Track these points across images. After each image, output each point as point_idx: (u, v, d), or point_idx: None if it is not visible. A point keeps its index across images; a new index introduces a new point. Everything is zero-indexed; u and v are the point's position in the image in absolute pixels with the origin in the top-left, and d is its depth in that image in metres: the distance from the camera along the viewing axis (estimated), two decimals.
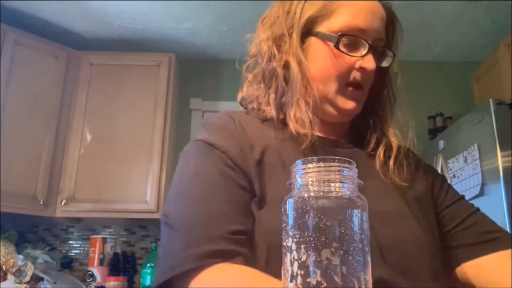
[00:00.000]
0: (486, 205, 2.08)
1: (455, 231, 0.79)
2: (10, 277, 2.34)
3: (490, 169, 2.06)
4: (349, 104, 0.77)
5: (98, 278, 2.48)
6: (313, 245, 0.42)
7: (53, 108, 2.66)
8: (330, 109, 0.78)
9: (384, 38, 0.79)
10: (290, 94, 0.76)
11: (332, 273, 0.42)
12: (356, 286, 0.42)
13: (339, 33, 0.74)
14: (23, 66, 2.59)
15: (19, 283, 2.34)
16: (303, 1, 0.79)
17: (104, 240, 2.57)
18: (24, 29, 2.65)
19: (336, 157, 0.45)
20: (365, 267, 0.44)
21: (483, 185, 2.09)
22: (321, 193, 0.44)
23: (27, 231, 2.84)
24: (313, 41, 0.77)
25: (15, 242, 2.55)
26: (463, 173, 2.27)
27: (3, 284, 2.29)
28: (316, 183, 0.44)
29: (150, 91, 2.79)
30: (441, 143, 2.52)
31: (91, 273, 2.49)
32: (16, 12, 2.69)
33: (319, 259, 0.42)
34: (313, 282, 0.42)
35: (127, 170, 2.63)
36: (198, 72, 3.16)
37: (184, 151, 0.76)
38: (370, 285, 0.43)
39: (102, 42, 3.01)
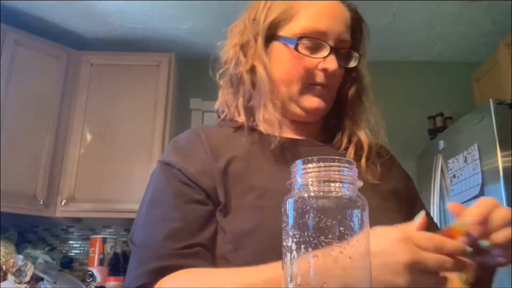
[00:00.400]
0: None
1: None
2: (10, 277, 2.34)
3: (490, 169, 2.06)
4: (313, 102, 0.79)
5: (98, 278, 2.48)
6: (313, 245, 0.42)
7: (53, 108, 2.66)
8: (296, 109, 0.80)
9: (348, 40, 0.81)
10: (258, 97, 0.79)
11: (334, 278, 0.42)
12: (356, 286, 0.42)
13: (298, 36, 0.77)
14: (23, 66, 2.59)
15: (19, 283, 2.34)
16: (267, 7, 0.81)
17: (104, 240, 2.57)
18: (24, 29, 2.65)
19: (336, 157, 0.45)
20: (365, 267, 0.44)
21: (483, 185, 2.09)
22: (321, 193, 0.44)
23: (27, 231, 2.83)
24: (276, 45, 0.80)
25: (15, 242, 2.54)
26: (463, 173, 2.27)
27: (3, 284, 2.29)
28: (316, 183, 0.44)
29: (150, 91, 2.79)
30: (441, 143, 2.52)
31: (91, 273, 2.49)
32: (16, 12, 2.69)
33: (319, 259, 0.42)
34: (313, 282, 0.42)
35: (127, 170, 2.63)
36: (198, 72, 3.16)
37: (151, 172, 0.81)
38: (370, 285, 0.43)
39: (102, 42, 3.01)
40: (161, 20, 2.81)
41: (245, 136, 0.79)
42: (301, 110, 0.80)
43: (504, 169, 1.98)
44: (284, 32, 0.80)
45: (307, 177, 0.45)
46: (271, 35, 0.81)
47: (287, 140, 0.78)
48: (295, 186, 0.46)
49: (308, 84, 0.79)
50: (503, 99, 2.11)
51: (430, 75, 3.20)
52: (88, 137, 2.71)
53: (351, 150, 0.80)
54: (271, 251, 0.61)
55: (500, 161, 1.99)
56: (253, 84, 0.81)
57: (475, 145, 2.16)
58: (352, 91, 0.84)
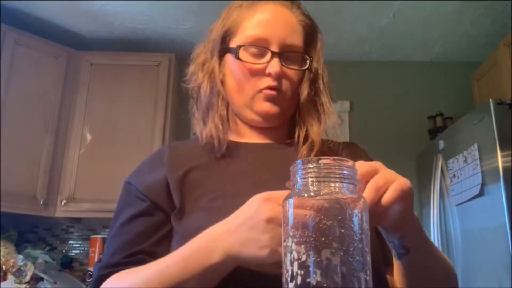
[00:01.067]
0: (486, 205, 2.08)
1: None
2: (10, 277, 2.34)
3: (490, 169, 2.06)
4: (264, 106, 0.83)
5: None
6: (313, 245, 0.42)
7: (53, 108, 2.66)
8: (252, 115, 0.85)
9: (295, 43, 0.84)
10: (205, 110, 0.87)
11: (332, 273, 0.42)
12: (356, 286, 0.42)
13: (237, 45, 0.83)
14: (23, 66, 2.59)
15: (19, 283, 2.34)
16: (223, 23, 0.89)
17: (104, 240, 2.57)
18: (24, 29, 2.65)
19: (337, 157, 0.45)
20: (365, 267, 0.44)
21: (483, 185, 2.09)
22: (321, 193, 0.44)
23: (27, 231, 2.83)
24: (227, 57, 0.86)
25: (15, 242, 2.54)
26: (463, 173, 2.27)
27: (3, 284, 2.29)
28: (316, 183, 0.44)
29: (150, 91, 2.79)
30: (441, 143, 2.52)
31: (91, 273, 2.49)
32: (16, 12, 2.69)
33: (319, 259, 0.42)
34: (313, 282, 0.42)
35: (127, 170, 2.60)
36: None
37: None
38: (370, 285, 0.43)
39: (102, 42, 3.01)
40: (161, 20, 2.81)
41: (198, 147, 0.85)
42: (255, 115, 0.84)
43: (504, 169, 1.98)
44: (232, 43, 0.86)
45: (307, 177, 0.45)
46: (224, 48, 0.87)
47: (249, 145, 0.84)
48: (295, 186, 0.46)
49: (258, 90, 0.82)
50: (503, 99, 2.11)
51: (430, 75, 3.20)
52: (88, 137, 2.71)
53: (304, 150, 0.83)
54: None
55: (500, 161, 1.99)
56: (203, 98, 0.88)
57: (475, 145, 2.16)
58: (304, 92, 0.86)
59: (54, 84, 2.69)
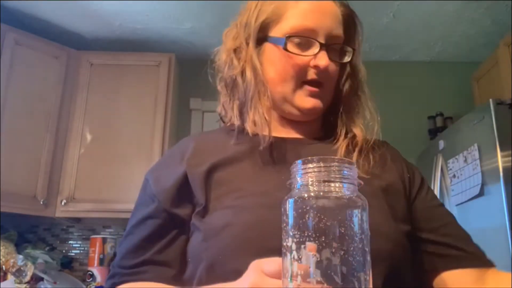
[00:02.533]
0: (486, 205, 2.08)
1: (428, 237, 0.78)
2: (10, 277, 2.34)
3: (490, 169, 2.06)
4: (307, 102, 0.79)
5: (98, 278, 2.48)
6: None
7: (53, 108, 2.66)
8: (291, 109, 0.81)
9: (340, 35, 0.80)
10: (248, 100, 0.80)
11: (332, 273, 0.42)
12: (356, 286, 0.42)
13: (286, 35, 0.77)
14: (23, 66, 2.59)
15: (19, 283, 2.34)
16: (258, 9, 0.82)
17: (104, 240, 2.57)
18: (24, 29, 2.65)
19: (336, 157, 0.45)
20: (365, 267, 0.44)
21: (483, 185, 2.09)
22: (321, 193, 0.44)
23: (27, 231, 2.83)
24: (267, 46, 0.81)
25: (15, 242, 2.54)
26: (463, 173, 2.27)
27: (3, 284, 2.29)
28: (316, 183, 0.44)
29: (150, 91, 2.79)
30: (441, 143, 2.52)
31: (91, 273, 2.49)
32: (16, 12, 2.69)
33: (319, 259, 0.42)
34: (313, 282, 0.42)
35: (127, 170, 2.63)
36: (198, 72, 3.16)
37: None
38: (370, 285, 0.43)
39: (102, 42, 3.01)
40: (161, 20, 2.81)
41: (233, 139, 0.80)
42: (296, 110, 0.80)
43: (504, 169, 1.98)
44: (274, 32, 0.80)
45: (307, 177, 0.45)
46: (262, 37, 0.81)
47: (275, 139, 0.78)
48: (295, 186, 0.46)
49: (301, 83, 0.79)
50: (503, 99, 2.11)
51: (430, 75, 3.20)
52: (88, 137, 2.71)
53: (343, 146, 0.80)
54: (238, 249, 0.65)
55: (500, 161, 1.99)
56: (245, 87, 0.82)
57: (475, 145, 2.16)
58: (347, 86, 0.84)
59: (54, 84, 2.69)
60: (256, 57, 0.81)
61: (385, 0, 2.56)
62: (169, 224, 0.75)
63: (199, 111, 3.12)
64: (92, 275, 2.48)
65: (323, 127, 0.87)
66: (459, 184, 2.30)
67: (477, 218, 2.16)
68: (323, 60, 0.77)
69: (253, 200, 0.70)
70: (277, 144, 0.78)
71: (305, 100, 0.79)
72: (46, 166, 2.57)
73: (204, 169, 0.74)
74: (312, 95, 0.79)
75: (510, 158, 2.00)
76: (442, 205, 0.84)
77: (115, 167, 2.64)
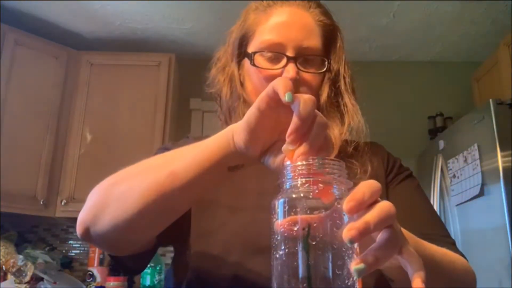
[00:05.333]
0: (486, 205, 2.08)
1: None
2: (10, 277, 2.34)
3: (490, 169, 2.06)
4: None
5: (98, 278, 2.48)
6: (303, 245, 0.42)
7: (53, 108, 2.66)
8: None
9: (313, 46, 0.81)
10: (229, 112, 0.85)
11: (323, 272, 0.42)
12: (349, 284, 0.42)
13: (252, 52, 0.81)
14: (23, 66, 2.59)
15: (19, 283, 2.34)
16: (241, 22, 0.86)
17: None
18: (24, 29, 2.65)
19: (326, 158, 0.45)
20: None
21: (483, 185, 2.09)
22: (310, 194, 0.44)
23: (27, 231, 2.83)
24: (245, 61, 0.85)
25: (15, 242, 2.55)
26: (463, 173, 2.27)
27: (3, 284, 2.30)
28: (305, 184, 0.44)
29: (150, 91, 2.79)
30: (441, 143, 2.52)
31: (91, 273, 2.49)
32: (16, 12, 2.69)
33: (309, 259, 0.42)
34: (304, 281, 0.42)
35: None
36: (198, 72, 3.15)
37: None
38: (360, 284, 0.43)
39: (102, 42, 3.01)
40: (161, 20, 2.81)
41: None
42: None
43: (504, 169, 1.98)
44: (250, 47, 0.84)
45: (296, 178, 0.45)
46: (242, 53, 0.85)
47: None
48: (285, 186, 0.46)
49: None
50: (503, 99, 2.11)
51: (430, 75, 3.19)
52: (88, 137, 2.71)
53: None
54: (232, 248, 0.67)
55: (500, 161, 1.99)
56: (226, 101, 0.86)
57: (475, 145, 2.16)
58: (324, 95, 0.84)
59: (54, 84, 2.69)
60: (237, 72, 0.85)
61: (385, 0, 2.55)
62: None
63: (199, 111, 3.12)
64: (92, 275, 2.48)
65: None
66: (459, 184, 2.30)
67: (477, 218, 2.16)
68: (290, 72, 0.78)
69: (230, 217, 0.72)
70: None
71: None
72: (46, 166, 2.57)
73: None
74: None
75: (510, 158, 2.00)
76: (422, 199, 0.84)
77: (115, 167, 2.63)
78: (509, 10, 2.61)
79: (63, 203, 2.58)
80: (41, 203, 2.51)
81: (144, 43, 3.03)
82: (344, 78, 0.86)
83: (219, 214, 0.73)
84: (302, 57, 0.80)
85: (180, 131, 3.00)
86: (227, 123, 0.85)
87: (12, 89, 2.52)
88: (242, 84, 0.85)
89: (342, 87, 0.86)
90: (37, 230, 2.88)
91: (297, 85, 0.79)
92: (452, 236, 2.58)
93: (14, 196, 2.42)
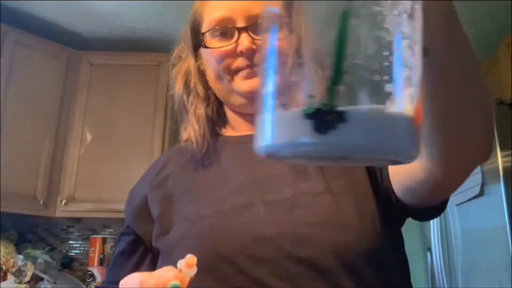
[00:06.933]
0: (486, 205, 2.08)
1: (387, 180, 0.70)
2: (10, 277, 2.34)
3: (490, 169, 2.06)
4: (245, 85, 0.75)
5: (98, 278, 2.48)
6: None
7: (53, 108, 2.66)
8: (236, 99, 0.77)
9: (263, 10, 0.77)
10: (183, 114, 0.83)
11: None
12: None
13: (200, 33, 0.77)
14: (23, 66, 2.59)
15: (19, 283, 2.34)
16: (188, 21, 0.82)
17: (104, 240, 2.57)
18: (24, 29, 2.65)
19: None
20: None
21: (483, 185, 2.09)
22: None
23: (27, 231, 2.83)
24: (201, 50, 0.80)
25: (15, 242, 2.55)
26: None
27: (3, 284, 2.30)
28: None
29: (150, 91, 2.79)
30: None
31: (91, 273, 2.49)
32: (16, 12, 2.69)
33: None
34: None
35: (127, 170, 2.63)
36: None
37: None
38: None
39: (102, 42, 3.01)
40: (161, 20, 2.81)
41: (174, 150, 0.86)
42: (241, 98, 0.76)
43: (504, 169, 1.98)
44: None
45: None
46: (197, 43, 0.80)
47: (214, 142, 0.79)
48: None
49: (234, 72, 0.75)
50: (503, 99, 2.11)
51: None
52: (88, 137, 2.71)
53: None
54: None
55: (500, 161, 1.99)
56: (179, 101, 0.84)
57: None
58: None
59: (54, 84, 2.69)
60: (194, 65, 0.81)
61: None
62: (140, 240, 0.79)
63: None
64: (92, 275, 2.48)
65: None
66: None
67: (477, 218, 2.16)
68: (243, 44, 0.72)
69: (204, 212, 0.72)
70: (225, 146, 0.79)
71: (243, 83, 0.75)
72: (46, 166, 2.57)
73: (160, 189, 0.78)
74: (247, 77, 0.74)
75: (510, 158, 2.00)
76: None
77: (115, 167, 2.64)
78: (509, 10, 2.61)
79: (63, 203, 2.58)
80: (41, 203, 2.51)
81: (144, 43, 3.02)
82: None
83: (180, 228, 0.72)
84: (254, 25, 0.73)
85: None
86: (184, 124, 0.83)
87: (12, 89, 2.52)
88: (204, 75, 0.81)
89: None
90: (37, 230, 2.88)
91: (255, 55, 0.73)
92: (452, 236, 2.58)
93: (14, 196, 2.42)
